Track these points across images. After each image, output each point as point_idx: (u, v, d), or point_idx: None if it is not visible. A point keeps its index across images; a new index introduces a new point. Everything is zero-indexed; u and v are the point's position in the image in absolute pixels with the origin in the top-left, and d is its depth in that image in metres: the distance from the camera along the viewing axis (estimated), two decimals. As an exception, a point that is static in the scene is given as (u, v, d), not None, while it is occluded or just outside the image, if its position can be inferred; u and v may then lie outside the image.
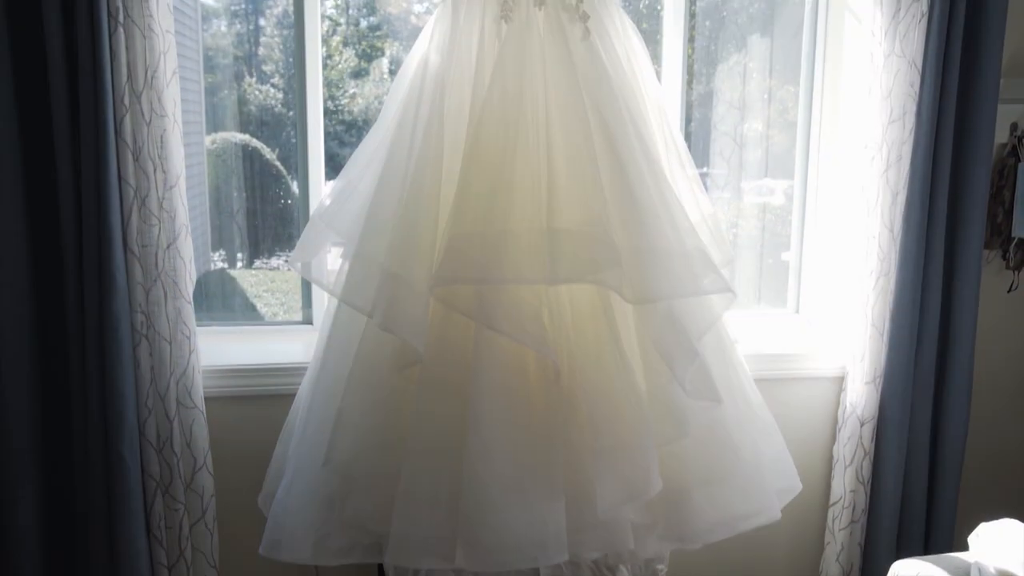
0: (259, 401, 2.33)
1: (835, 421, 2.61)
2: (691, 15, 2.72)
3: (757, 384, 2.14)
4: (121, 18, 1.94)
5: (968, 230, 2.40)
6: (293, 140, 2.62)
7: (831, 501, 2.58)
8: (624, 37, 2.04)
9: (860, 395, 2.47)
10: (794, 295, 2.84)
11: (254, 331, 2.58)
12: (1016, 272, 2.65)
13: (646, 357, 1.92)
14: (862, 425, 2.48)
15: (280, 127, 2.65)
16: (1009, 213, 2.57)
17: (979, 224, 2.40)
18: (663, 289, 1.85)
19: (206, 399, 2.21)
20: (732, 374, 2.07)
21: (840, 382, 2.58)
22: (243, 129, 2.65)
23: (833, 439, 2.61)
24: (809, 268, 2.79)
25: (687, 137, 2.77)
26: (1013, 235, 2.58)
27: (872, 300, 2.41)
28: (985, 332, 2.57)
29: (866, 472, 2.50)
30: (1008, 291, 2.67)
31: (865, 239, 2.40)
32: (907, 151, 2.31)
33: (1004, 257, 2.63)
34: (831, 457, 2.62)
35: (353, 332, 1.94)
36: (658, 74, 2.62)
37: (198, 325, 2.20)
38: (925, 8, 2.24)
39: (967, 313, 2.44)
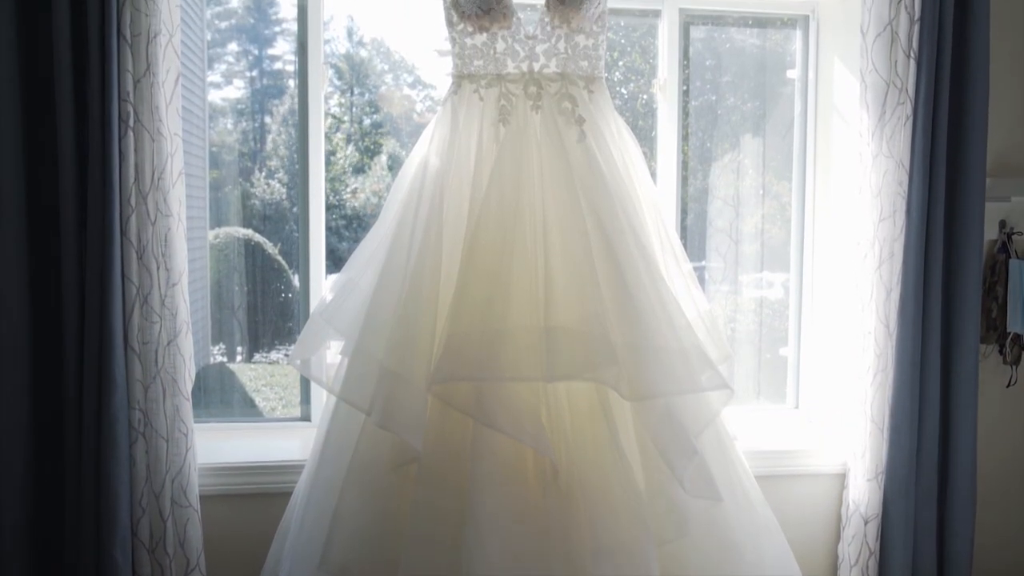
0: (255, 500, 2.30)
1: (838, 519, 2.57)
2: (685, 114, 2.80)
3: (757, 481, 2.12)
4: (131, 122, 2.00)
5: (963, 325, 2.42)
6: (295, 234, 2.66)
7: (837, 602, 2.53)
8: (619, 139, 2.09)
9: (863, 492, 2.44)
10: (793, 390, 2.84)
11: (252, 428, 2.57)
12: (1014, 367, 2.65)
13: (645, 455, 1.91)
14: (866, 523, 2.44)
15: (283, 221, 2.70)
16: (1003, 308, 2.60)
17: (974, 319, 2.41)
18: (660, 386, 1.85)
19: (201, 498, 2.18)
20: (732, 471, 2.05)
21: (842, 479, 2.56)
22: (246, 224, 2.70)
23: (837, 538, 2.57)
24: (807, 363, 2.79)
25: (684, 231, 2.82)
26: (1008, 330, 2.60)
27: (871, 396, 2.40)
28: (986, 427, 2.56)
29: (872, 572, 2.45)
30: (1007, 386, 2.67)
31: (861, 335, 2.42)
32: (899, 248, 2.35)
33: (1001, 352, 2.65)
34: (836, 556, 2.56)
35: (351, 429, 1.94)
36: (654, 171, 2.69)
37: (196, 421, 2.19)
38: (909, 111, 2.31)
39: (967, 408, 2.43)
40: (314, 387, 2.55)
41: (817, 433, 2.69)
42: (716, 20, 2.81)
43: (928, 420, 2.41)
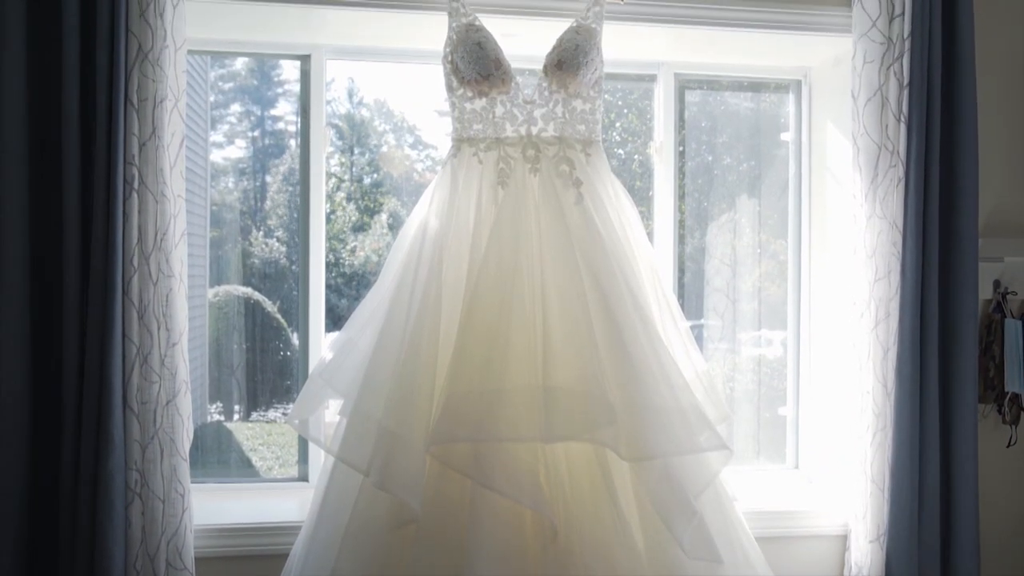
0: (251, 562, 2.27)
1: (841, 582, 2.54)
2: (682, 174, 2.84)
3: (758, 542, 2.10)
4: (136, 184, 2.03)
5: (961, 385, 2.42)
6: (294, 292, 2.68)
7: (842, 668, 2.48)
8: (616, 201, 2.13)
9: (865, 554, 2.42)
10: (793, 450, 2.83)
11: (249, 488, 2.55)
12: (1013, 426, 2.65)
13: (644, 515, 1.90)
14: (869, 586, 2.41)
15: (282, 280, 2.72)
16: (1000, 368, 2.60)
17: (971, 379, 2.42)
18: (659, 447, 1.85)
19: (196, 560, 2.16)
20: (732, 532, 2.04)
21: (844, 540, 2.53)
22: (246, 282, 2.71)
23: (840, 601, 2.54)
24: (807, 423, 2.79)
25: (682, 290, 2.84)
26: (1006, 389, 2.60)
27: (870, 456, 2.39)
28: (987, 487, 2.54)
29: (877, 637, 2.41)
30: (1007, 446, 2.66)
31: (859, 394, 2.42)
32: (894, 308, 2.36)
33: (1000, 411, 2.64)
34: (839, 620, 2.53)
35: (349, 489, 1.93)
36: (651, 230, 2.72)
37: (192, 481, 2.18)
38: (901, 173, 2.34)
39: (967, 468, 2.42)
40: (312, 446, 2.54)
41: (818, 493, 2.68)
42: (711, 84, 2.87)
43: (928, 480, 2.39)
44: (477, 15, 2.14)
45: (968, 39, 2.39)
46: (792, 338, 2.84)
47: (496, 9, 2.27)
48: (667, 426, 1.86)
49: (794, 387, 2.82)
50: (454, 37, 2.11)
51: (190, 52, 2.30)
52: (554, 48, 2.10)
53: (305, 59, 2.61)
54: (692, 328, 2.38)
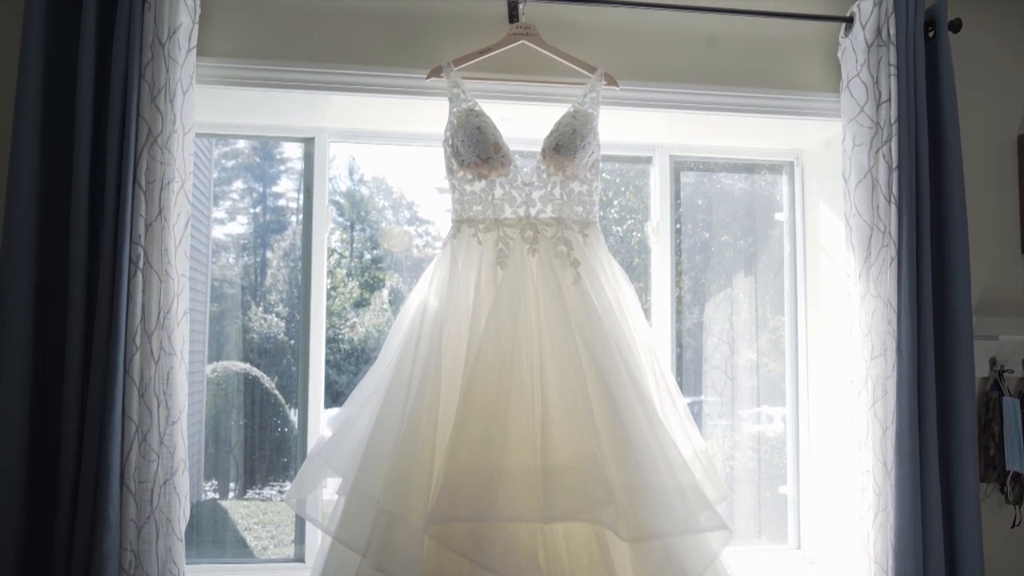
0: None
1: (847, 668, 2.48)
2: (679, 252, 2.88)
3: (761, 627, 2.07)
4: (141, 264, 2.05)
5: (962, 464, 2.40)
6: (293, 368, 2.68)
7: None
8: (613, 280, 2.15)
9: (870, 639, 2.37)
10: (794, 530, 2.79)
11: (243, 569, 2.51)
12: (1016, 507, 2.62)
13: (645, 597, 1.88)
14: (876, 673, 2.35)
15: (280, 355, 2.72)
16: (1000, 446, 2.59)
17: (972, 458, 2.40)
18: (659, 527, 1.84)
19: (189, 644, 2.12)
20: (735, 616, 2.01)
21: (849, 624, 2.49)
22: (244, 357, 2.71)
23: None
24: (808, 502, 2.76)
25: (680, 367, 2.85)
26: (1007, 468, 2.58)
27: (873, 536, 2.36)
28: (993, 569, 2.50)
29: None
30: (1011, 527, 2.63)
31: (860, 473, 2.40)
32: (891, 386, 2.36)
33: (1002, 491, 2.62)
34: None
35: (347, 570, 1.91)
36: (649, 307, 2.74)
37: (187, 563, 2.15)
38: (894, 253, 2.37)
39: (972, 549, 2.38)
40: (308, 525, 2.51)
41: (821, 575, 2.63)
42: (705, 165, 2.94)
43: (933, 561, 2.35)
44: (477, 100, 2.20)
45: (953, 122, 2.45)
46: (791, 416, 2.83)
47: (496, 95, 2.34)
48: (667, 506, 1.85)
49: (794, 465, 2.81)
50: (455, 122, 2.17)
51: (196, 134, 2.36)
52: (552, 132, 2.15)
53: (308, 141, 2.66)
54: (691, 405, 2.38)
